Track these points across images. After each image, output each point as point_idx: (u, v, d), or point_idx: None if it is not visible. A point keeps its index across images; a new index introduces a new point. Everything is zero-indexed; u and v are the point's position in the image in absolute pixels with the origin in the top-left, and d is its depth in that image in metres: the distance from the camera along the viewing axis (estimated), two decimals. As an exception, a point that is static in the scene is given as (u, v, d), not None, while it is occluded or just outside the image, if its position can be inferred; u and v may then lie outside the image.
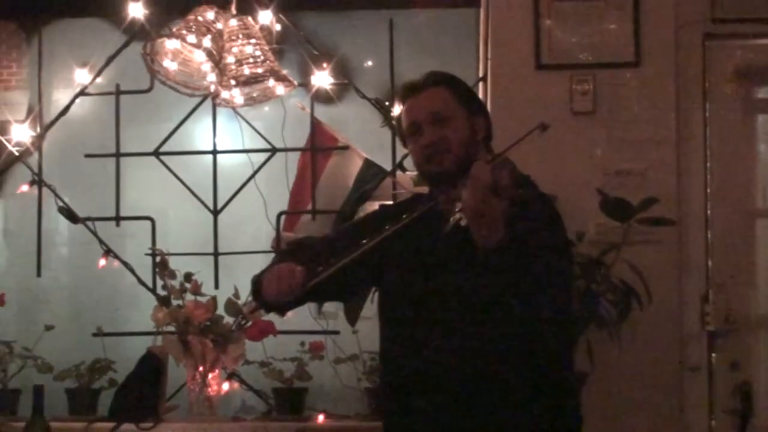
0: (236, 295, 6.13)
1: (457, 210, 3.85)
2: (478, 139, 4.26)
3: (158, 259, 6.28)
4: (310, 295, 4.35)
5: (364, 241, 4.15)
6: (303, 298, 4.37)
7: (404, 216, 4.18)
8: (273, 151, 6.50)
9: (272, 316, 6.05)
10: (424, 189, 4.94)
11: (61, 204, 6.43)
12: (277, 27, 6.35)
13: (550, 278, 4.08)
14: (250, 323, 6.10)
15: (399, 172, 6.22)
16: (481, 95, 6.09)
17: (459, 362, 4.12)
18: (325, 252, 4.30)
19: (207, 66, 6.14)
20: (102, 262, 6.47)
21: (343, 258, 4.10)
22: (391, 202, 5.89)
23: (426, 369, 4.21)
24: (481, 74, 6.17)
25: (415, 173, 6.05)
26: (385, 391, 4.44)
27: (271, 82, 6.21)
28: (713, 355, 5.88)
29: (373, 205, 6.19)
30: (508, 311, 4.00)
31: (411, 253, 4.23)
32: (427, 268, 4.20)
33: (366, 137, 6.44)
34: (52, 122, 6.61)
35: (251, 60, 6.15)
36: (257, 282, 4.37)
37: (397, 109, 6.08)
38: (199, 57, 6.15)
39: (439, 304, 4.17)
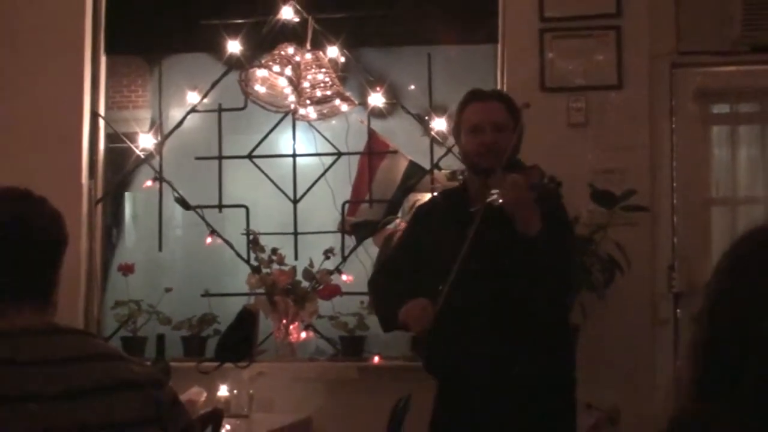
0: (311, 264, 6.24)
1: (492, 193, 3.99)
2: (517, 146, 4.37)
3: (251, 237, 6.40)
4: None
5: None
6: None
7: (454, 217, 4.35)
8: (339, 154, 6.56)
9: (339, 281, 6.21)
10: (454, 184, 5.05)
11: (176, 195, 6.52)
12: (342, 59, 6.41)
13: (570, 257, 4.26)
14: (321, 286, 6.20)
15: (435, 171, 6.28)
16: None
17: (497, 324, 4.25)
18: (410, 271, 4.49)
19: (288, 89, 6.25)
20: (208, 240, 6.56)
21: (449, 278, 4.19)
22: (424, 200, 5.91)
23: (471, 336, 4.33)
24: (499, 95, 6.23)
25: (448, 171, 6.15)
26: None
27: (337, 102, 6.31)
28: (678, 311, 5.89)
29: (416, 196, 6.28)
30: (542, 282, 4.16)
31: (451, 238, 4.31)
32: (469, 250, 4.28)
33: (410, 144, 6.48)
34: (170, 133, 6.68)
35: (322, 84, 6.25)
36: (387, 317, 4.49)
37: (438, 121, 6.20)
38: (282, 82, 6.26)
39: (482, 280, 4.27)
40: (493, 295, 4.24)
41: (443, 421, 4.44)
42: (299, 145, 6.66)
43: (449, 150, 6.26)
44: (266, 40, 6.39)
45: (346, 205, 6.55)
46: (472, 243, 4.14)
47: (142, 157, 6.68)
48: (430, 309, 4.18)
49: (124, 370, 2.47)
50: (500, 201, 4.03)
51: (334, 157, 6.58)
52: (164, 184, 6.64)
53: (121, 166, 6.80)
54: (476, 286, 4.24)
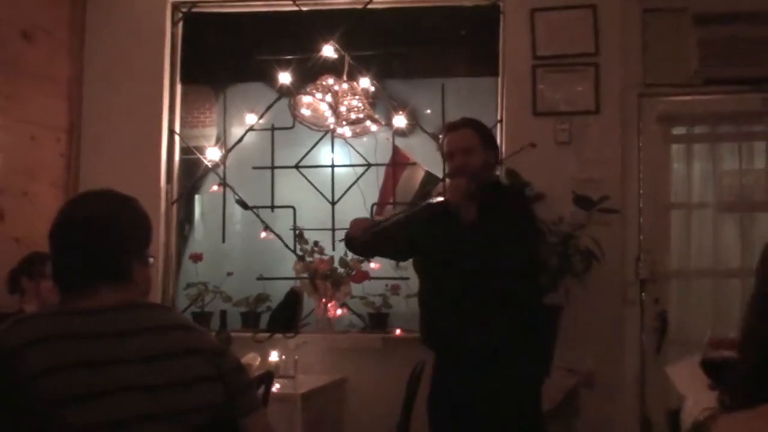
0: (345, 254, 6.24)
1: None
2: (490, 163, 4.40)
3: (297, 232, 6.41)
4: (373, 244, 4.48)
5: (399, 213, 4.37)
6: (370, 246, 4.51)
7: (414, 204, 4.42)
8: (369, 165, 6.57)
9: (368, 268, 6.22)
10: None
11: (237, 198, 6.51)
12: (372, 88, 6.42)
13: (514, 244, 4.27)
14: (354, 272, 6.22)
15: (447, 179, 6.30)
16: (499, 131, 6.17)
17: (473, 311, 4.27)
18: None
19: (328, 112, 6.27)
20: (262, 234, 6.58)
21: (386, 222, 4.37)
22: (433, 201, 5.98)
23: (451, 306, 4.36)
24: (499, 118, 6.22)
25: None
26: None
27: (368, 123, 6.31)
28: (643, 294, 5.88)
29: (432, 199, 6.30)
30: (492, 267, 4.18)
31: (437, 235, 4.35)
32: (446, 246, 4.33)
33: (427, 158, 6.48)
34: (232, 147, 6.69)
35: (356, 109, 6.24)
36: (346, 233, 4.54)
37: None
38: (323, 107, 6.27)
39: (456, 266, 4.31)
40: (465, 280, 4.26)
41: (439, 384, 4.47)
42: (337, 157, 6.68)
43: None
44: (311, 72, 6.39)
45: (374, 206, 6.58)
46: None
47: (209, 166, 6.71)
48: (367, 222, 4.45)
49: (192, 339, 2.49)
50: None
51: (365, 168, 6.60)
52: (227, 189, 6.65)
53: (192, 173, 6.83)
54: (454, 273, 4.29)
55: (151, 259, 2.61)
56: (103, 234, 2.47)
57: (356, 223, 4.48)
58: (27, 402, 2.20)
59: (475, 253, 4.16)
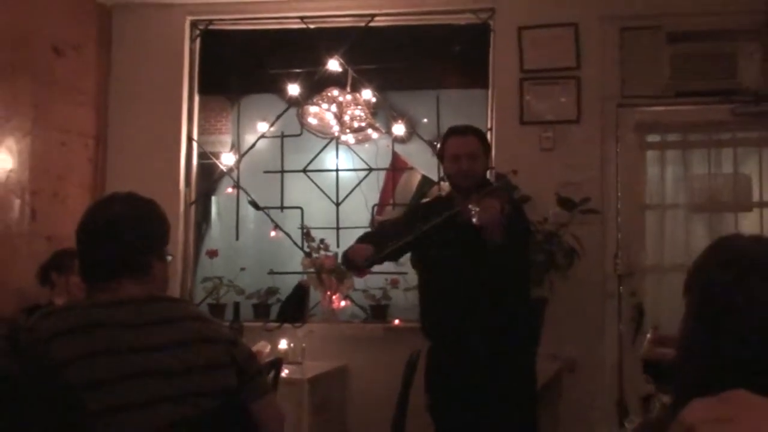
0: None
1: (472, 213, 3.97)
2: (488, 169, 4.42)
3: (305, 231, 6.41)
4: (376, 262, 4.47)
5: (408, 236, 4.30)
6: (372, 264, 4.48)
7: (433, 216, 4.30)
8: (370, 170, 6.59)
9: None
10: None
11: (249, 199, 6.52)
12: (373, 99, 6.43)
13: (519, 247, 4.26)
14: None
15: (442, 183, 6.29)
16: (489, 138, 6.18)
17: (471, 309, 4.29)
18: (385, 238, 4.36)
19: (333, 121, 6.29)
20: (273, 233, 6.60)
21: (393, 245, 4.24)
22: (422, 201, 6.00)
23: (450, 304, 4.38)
24: (489, 126, 6.23)
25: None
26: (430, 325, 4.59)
27: (370, 131, 6.34)
28: (620, 287, 5.89)
29: (427, 200, 6.30)
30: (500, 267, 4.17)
31: (441, 241, 4.33)
32: (449, 251, 4.33)
33: (423, 163, 6.50)
34: (245, 153, 6.72)
35: (358, 118, 6.27)
36: (345, 252, 4.49)
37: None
38: (328, 116, 6.29)
39: (457, 270, 4.32)
40: (466, 279, 4.28)
41: (434, 369, 4.52)
42: (341, 162, 6.70)
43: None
44: (317, 84, 6.42)
45: (375, 207, 6.59)
46: (434, 233, 4.25)
47: (224, 170, 6.75)
48: (370, 250, 4.28)
49: (206, 329, 2.50)
50: (475, 219, 3.99)
51: (367, 172, 6.63)
52: (240, 191, 6.68)
53: (208, 177, 6.86)
54: (454, 271, 4.31)
55: (170, 257, 2.63)
56: (125, 233, 2.49)
57: (358, 250, 4.37)
58: (55, 387, 2.21)
59: (501, 270, 4.18)
